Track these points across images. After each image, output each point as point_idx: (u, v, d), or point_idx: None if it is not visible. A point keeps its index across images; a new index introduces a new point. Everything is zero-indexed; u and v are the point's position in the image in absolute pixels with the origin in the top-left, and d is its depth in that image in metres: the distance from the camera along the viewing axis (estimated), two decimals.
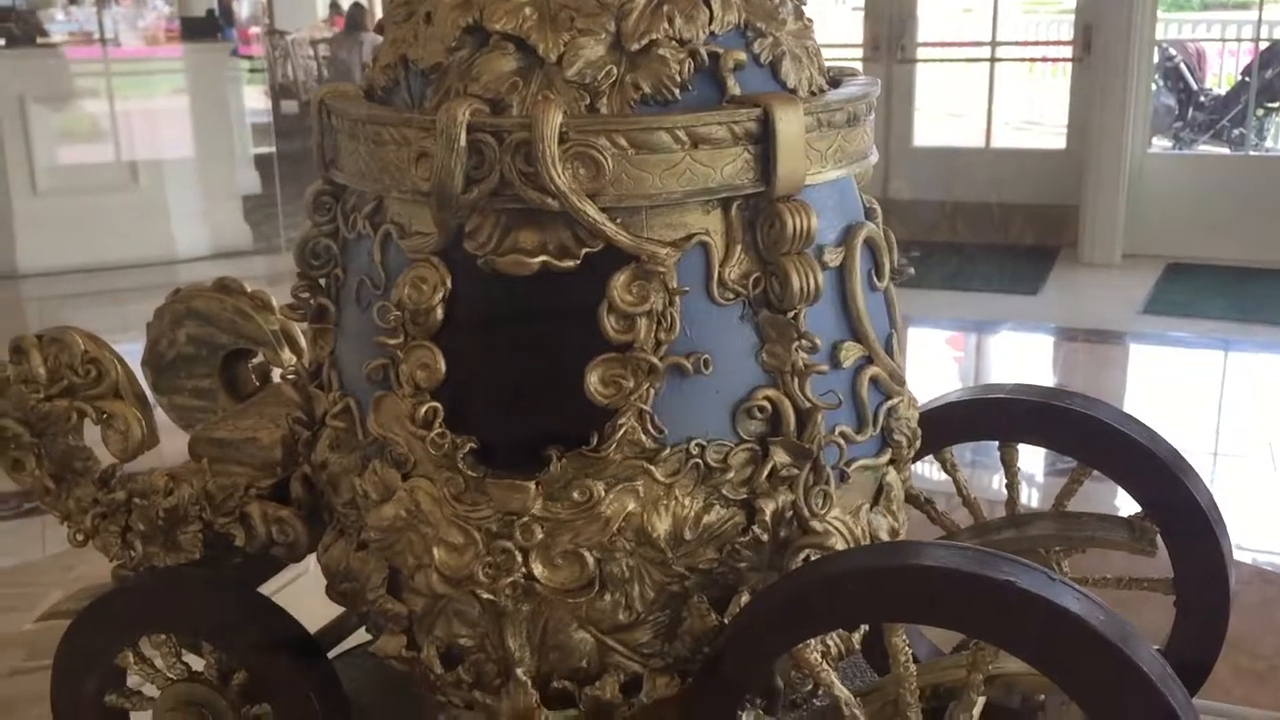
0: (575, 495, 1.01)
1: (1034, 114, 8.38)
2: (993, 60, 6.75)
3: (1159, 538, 1.33)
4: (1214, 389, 4.52)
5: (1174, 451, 1.34)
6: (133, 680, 1.31)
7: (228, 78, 7.41)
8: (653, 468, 1.01)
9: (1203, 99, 7.77)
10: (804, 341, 1.03)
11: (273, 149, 7.61)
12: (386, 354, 1.06)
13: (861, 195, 1.17)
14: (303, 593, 1.54)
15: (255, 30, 9.62)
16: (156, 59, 7.69)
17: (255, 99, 8.54)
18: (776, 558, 1.06)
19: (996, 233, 6.39)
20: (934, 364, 4.86)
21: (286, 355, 1.36)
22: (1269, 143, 7.45)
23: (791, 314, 1.02)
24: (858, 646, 1.16)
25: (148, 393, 1.37)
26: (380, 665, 1.18)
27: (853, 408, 1.09)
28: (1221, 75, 8.31)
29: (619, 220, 0.98)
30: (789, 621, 0.99)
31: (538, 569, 1.03)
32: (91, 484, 1.34)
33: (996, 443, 1.43)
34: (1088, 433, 1.34)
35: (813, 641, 1.00)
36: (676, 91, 1.00)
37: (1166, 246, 6.03)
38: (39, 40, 7.15)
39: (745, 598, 1.05)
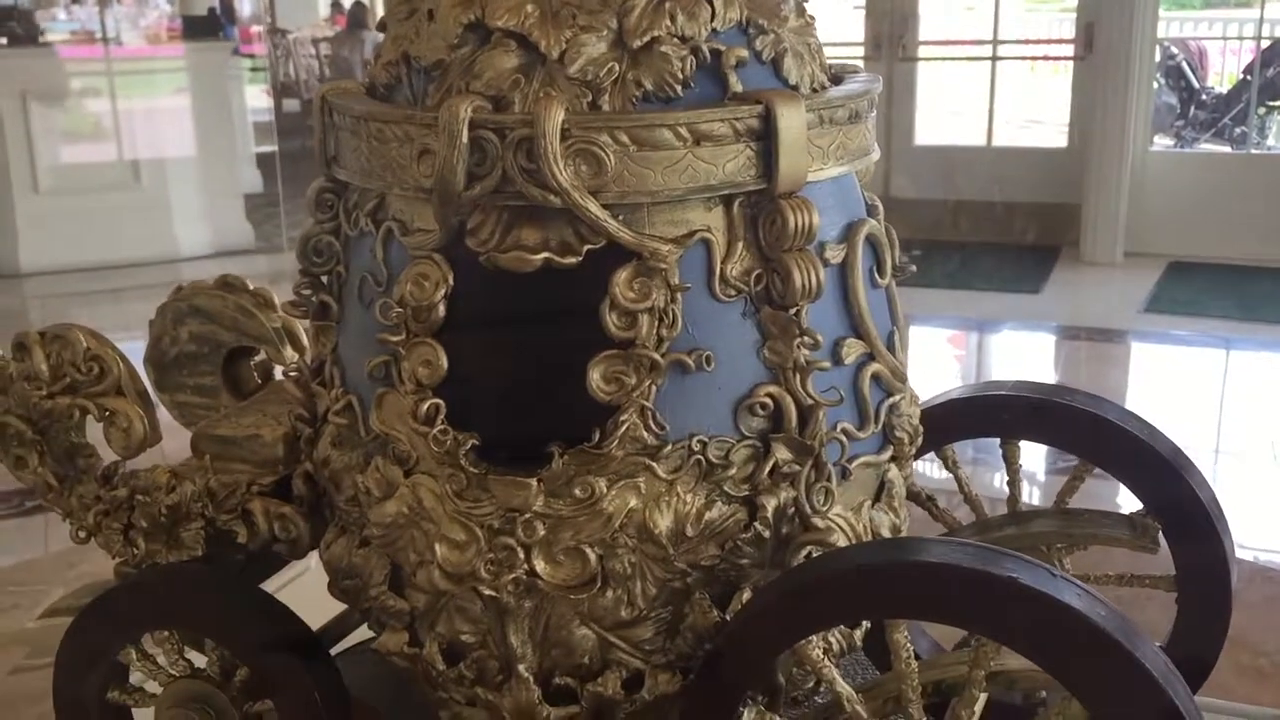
0: (577, 492, 1.01)
1: (1036, 112, 8.38)
2: (994, 58, 6.75)
3: (1161, 535, 1.34)
4: (1216, 387, 4.52)
5: (1176, 448, 1.34)
6: (135, 677, 1.32)
7: (229, 76, 7.42)
8: (654, 464, 1.01)
9: (1204, 97, 7.77)
10: (806, 338, 1.03)
11: (274, 148, 7.62)
12: (388, 351, 1.06)
13: (863, 192, 1.17)
14: (305, 590, 1.54)
15: (257, 29, 9.63)
16: (158, 58, 7.69)
17: (257, 98, 8.55)
18: (778, 554, 1.06)
19: (998, 231, 6.39)
20: (936, 362, 4.86)
21: (288, 353, 1.36)
22: (1271, 141, 7.45)
23: (793, 311, 1.02)
24: (859, 643, 1.16)
25: (150, 390, 1.37)
26: (382, 662, 1.18)
27: (854, 405, 1.10)
28: (1223, 73, 8.31)
29: (621, 217, 0.98)
30: (791, 618, 0.99)
31: (539, 565, 1.03)
32: (94, 481, 1.34)
33: (998, 440, 1.43)
34: (1089, 429, 1.34)
35: (814, 638, 1.00)
36: (678, 88, 1.00)
37: (1168, 245, 6.03)
38: (41, 39, 7.16)
39: (747, 594, 1.05)
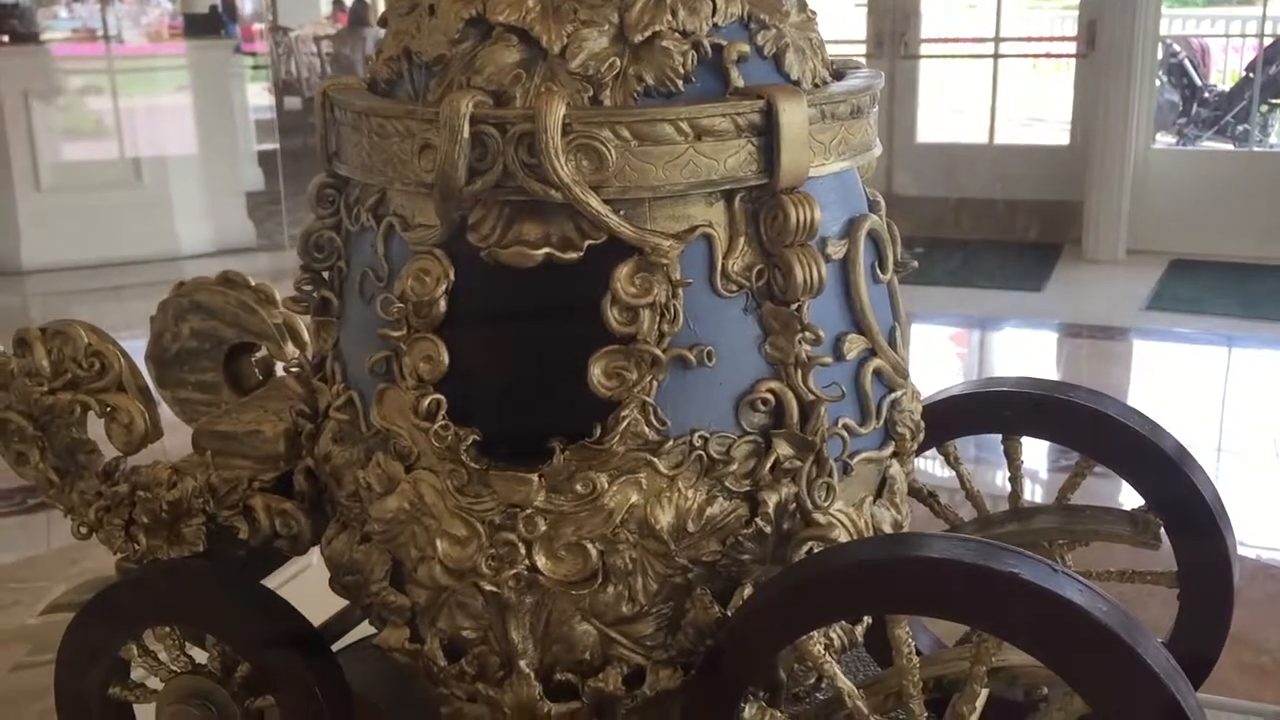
0: (578, 487, 1.01)
1: (1038, 110, 8.37)
2: (996, 56, 6.75)
3: (1162, 531, 1.33)
4: (1218, 385, 4.52)
5: (1178, 445, 1.33)
6: (136, 673, 1.32)
7: (231, 74, 7.42)
8: (656, 460, 1.01)
9: (1207, 95, 7.77)
10: (807, 334, 1.03)
11: (276, 145, 7.62)
12: (389, 346, 1.06)
13: (865, 188, 1.17)
14: (307, 586, 1.54)
15: (258, 27, 9.63)
16: (160, 56, 7.71)
17: (258, 95, 8.55)
18: (779, 550, 1.06)
19: (1000, 229, 6.39)
20: (938, 360, 4.86)
21: (290, 349, 1.36)
22: (1273, 139, 7.44)
23: (795, 306, 1.02)
24: (860, 639, 1.16)
25: (151, 386, 1.37)
26: (383, 658, 1.18)
27: (856, 400, 1.09)
28: (1226, 71, 8.31)
29: (622, 212, 0.98)
30: (792, 614, 0.99)
31: (541, 561, 1.03)
32: (95, 477, 1.34)
33: (999, 437, 1.43)
34: (1091, 426, 1.34)
35: (816, 634, 1.00)
36: (680, 83, 1.00)
37: (1170, 242, 6.03)
38: (43, 38, 7.16)
39: (748, 590, 1.05)
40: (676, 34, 1.00)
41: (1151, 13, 6.00)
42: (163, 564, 1.28)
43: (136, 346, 1.38)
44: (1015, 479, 1.43)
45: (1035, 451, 3.14)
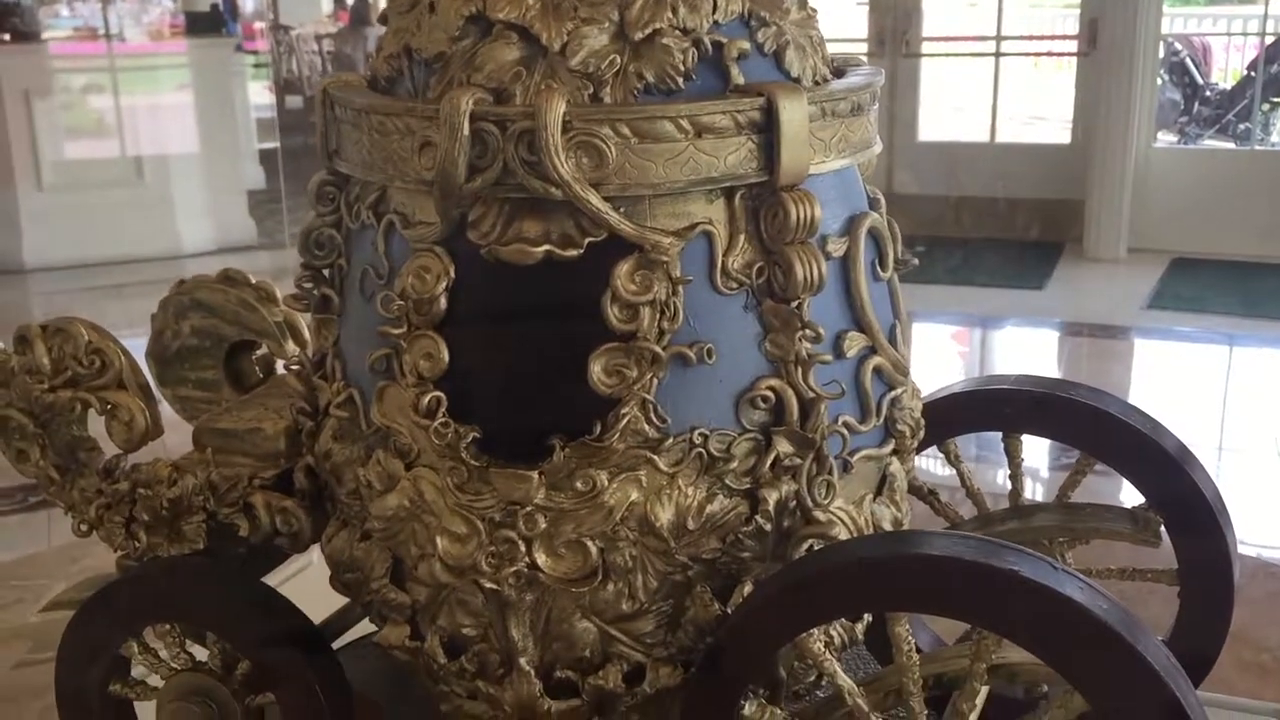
0: (578, 485, 1.01)
1: (1039, 108, 8.37)
2: (998, 55, 6.75)
3: (1163, 529, 1.33)
4: (1219, 384, 4.52)
5: (1179, 443, 1.33)
6: (137, 670, 1.32)
7: (232, 73, 7.43)
8: (656, 457, 1.01)
9: (1208, 94, 7.77)
10: (807, 331, 1.03)
11: (277, 144, 7.63)
12: (390, 344, 1.06)
13: (865, 185, 1.17)
14: (308, 584, 1.54)
15: (259, 25, 9.63)
16: (161, 54, 7.71)
17: (260, 94, 8.56)
18: (780, 547, 1.06)
19: (1001, 227, 6.39)
20: (939, 359, 4.86)
21: (290, 346, 1.36)
22: (1275, 137, 7.43)
23: (795, 304, 1.02)
24: (861, 636, 1.16)
25: (152, 384, 1.37)
26: (384, 656, 1.18)
27: (856, 398, 1.09)
28: (1227, 70, 8.30)
29: (622, 209, 0.98)
30: (792, 611, 0.99)
31: (541, 558, 1.03)
32: (95, 474, 1.34)
33: (1000, 434, 1.43)
34: (1092, 423, 1.34)
35: (816, 631, 1.00)
36: (680, 81, 1.00)
37: (1172, 241, 6.03)
38: (44, 36, 7.16)
39: (748, 588, 1.05)
40: (677, 31, 1.00)
41: (1153, 11, 5.99)
42: (163, 561, 1.28)
43: (138, 344, 1.38)
44: (1016, 477, 1.43)
45: (1036, 449, 3.14)
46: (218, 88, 7.05)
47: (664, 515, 1.02)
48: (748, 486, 1.04)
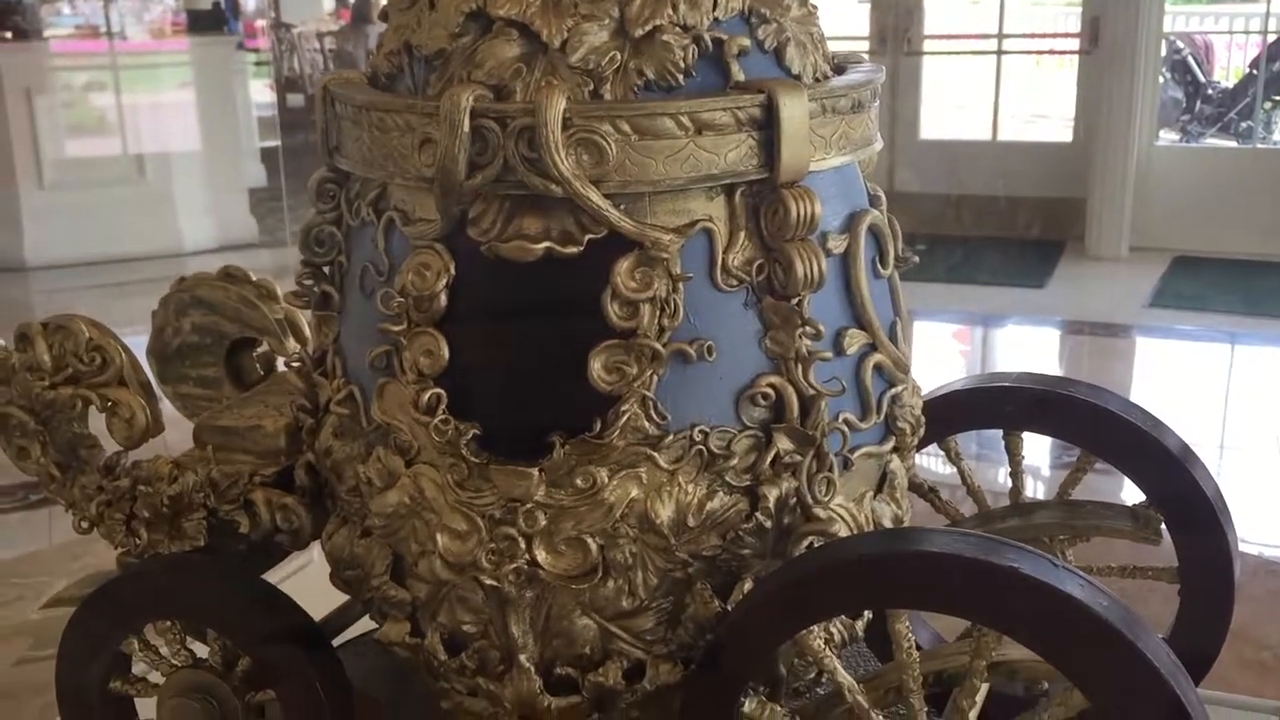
0: (578, 482, 1.01)
1: (1041, 107, 8.36)
2: (999, 53, 6.74)
3: (1163, 527, 1.33)
4: (1220, 382, 4.52)
5: (1180, 441, 1.33)
6: (137, 667, 1.32)
7: (234, 71, 7.43)
8: (656, 454, 1.01)
9: (1210, 92, 7.76)
10: (807, 328, 1.03)
11: (278, 142, 7.63)
12: (390, 341, 1.06)
13: (866, 182, 1.17)
14: (308, 581, 1.54)
15: (261, 23, 9.64)
16: (162, 52, 7.72)
17: (261, 92, 8.57)
18: (780, 544, 1.06)
19: (1003, 226, 6.39)
20: (940, 357, 4.86)
21: (291, 344, 1.36)
22: (1276, 136, 7.43)
23: (795, 301, 1.02)
24: (861, 634, 1.16)
25: (152, 382, 1.37)
26: (384, 653, 1.18)
27: (856, 395, 1.09)
28: (1229, 68, 8.30)
29: (622, 206, 0.98)
30: (792, 608, 0.99)
31: (541, 555, 1.03)
32: (96, 472, 1.34)
33: (1001, 432, 1.43)
34: (1093, 421, 1.34)
35: (816, 628, 1.00)
36: (680, 77, 1.00)
37: (1173, 239, 6.03)
38: (45, 34, 7.17)
39: (748, 585, 1.05)
40: (677, 28, 1.00)
41: (1155, 9, 5.99)
42: (163, 558, 1.28)
43: (139, 342, 1.39)
44: (1016, 474, 1.43)
45: (1037, 447, 3.13)
46: (219, 86, 7.06)
47: (664, 512, 1.02)
48: (748, 483, 1.04)
